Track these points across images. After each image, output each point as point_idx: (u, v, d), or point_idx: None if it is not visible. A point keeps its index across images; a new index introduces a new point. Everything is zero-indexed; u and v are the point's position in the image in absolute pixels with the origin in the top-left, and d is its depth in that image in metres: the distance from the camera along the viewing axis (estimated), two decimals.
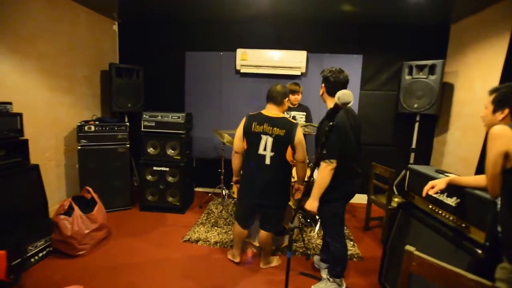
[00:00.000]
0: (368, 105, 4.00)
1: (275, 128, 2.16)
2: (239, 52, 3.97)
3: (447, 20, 3.64)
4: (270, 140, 2.16)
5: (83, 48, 3.62)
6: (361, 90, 4.00)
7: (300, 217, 3.20)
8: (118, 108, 3.77)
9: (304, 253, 2.77)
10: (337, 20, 3.78)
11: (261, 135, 2.18)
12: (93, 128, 3.39)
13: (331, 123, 1.36)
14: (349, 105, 1.36)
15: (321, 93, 2.08)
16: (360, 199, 3.87)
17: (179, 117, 3.51)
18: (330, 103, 2.02)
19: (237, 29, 4.06)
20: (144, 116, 3.53)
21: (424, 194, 1.67)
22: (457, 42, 3.65)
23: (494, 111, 1.46)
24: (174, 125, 3.51)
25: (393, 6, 3.17)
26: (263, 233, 2.42)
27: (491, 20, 3.01)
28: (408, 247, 1.28)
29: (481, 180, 1.50)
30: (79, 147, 3.33)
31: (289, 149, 2.19)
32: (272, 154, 2.17)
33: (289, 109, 3.41)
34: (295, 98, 3.37)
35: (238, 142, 2.30)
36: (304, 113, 3.45)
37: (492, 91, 1.51)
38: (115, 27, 4.24)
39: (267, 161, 2.19)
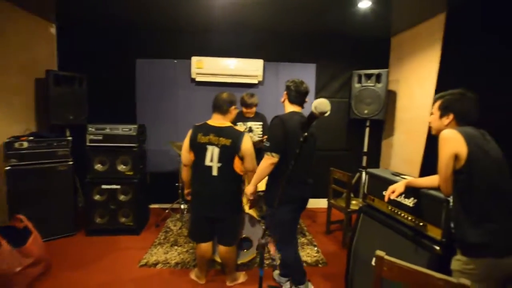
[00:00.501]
0: None
1: (221, 138, 2.11)
2: (194, 60, 3.85)
3: (388, 33, 3.98)
4: (216, 150, 2.11)
5: (12, 53, 3.14)
6: (315, 97, 4.14)
7: (263, 227, 3.14)
8: (57, 121, 3.34)
9: (270, 265, 2.71)
10: (291, 30, 3.89)
11: (207, 146, 2.12)
12: (25, 144, 2.94)
13: (305, 134, 1.33)
14: (326, 114, 1.34)
15: (282, 99, 2.18)
16: (320, 203, 3.97)
17: (130, 129, 3.23)
18: (289, 108, 2.13)
19: (192, 37, 3.93)
20: (90, 129, 3.18)
21: (386, 199, 1.74)
22: (397, 53, 4.01)
23: (441, 116, 1.57)
24: (125, 138, 3.22)
25: (341, 19, 3.37)
26: (222, 248, 2.31)
27: (425, 34, 3.36)
28: (379, 252, 1.30)
29: (434, 180, 1.60)
30: (7, 168, 2.85)
31: (237, 159, 2.14)
32: (219, 165, 2.11)
33: (245, 120, 3.38)
34: (247, 112, 3.32)
35: (185, 154, 2.23)
36: (261, 123, 3.42)
37: (438, 98, 1.62)
38: (53, 30, 3.80)
39: (214, 172, 2.12)
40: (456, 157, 1.39)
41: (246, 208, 2.48)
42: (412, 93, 3.65)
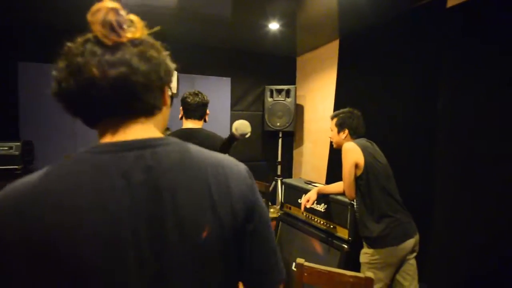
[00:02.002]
0: None
1: None
2: None
3: (294, 53, 4.42)
4: None
5: None
6: (231, 110, 4.23)
7: None
8: None
9: None
10: (206, 43, 3.91)
11: None
12: None
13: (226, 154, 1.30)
14: (247, 136, 1.31)
15: (180, 116, 1.88)
16: None
17: (11, 148, 2.63)
18: (186, 125, 1.84)
19: None
20: None
21: (302, 208, 1.89)
22: (302, 72, 4.48)
23: (338, 132, 1.83)
24: (4, 159, 2.59)
25: (253, 38, 3.57)
26: None
27: (324, 56, 3.86)
28: (299, 260, 1.38)
29: (340, 186, 1.83)
30: None
31: None
32: None
33: None
34: None
35: None
36: None
37: (333, 117, 1.88)
38: None
39: None
40: (356, 166, 1.63)
41: None
42: (316, 107, 4.13)
